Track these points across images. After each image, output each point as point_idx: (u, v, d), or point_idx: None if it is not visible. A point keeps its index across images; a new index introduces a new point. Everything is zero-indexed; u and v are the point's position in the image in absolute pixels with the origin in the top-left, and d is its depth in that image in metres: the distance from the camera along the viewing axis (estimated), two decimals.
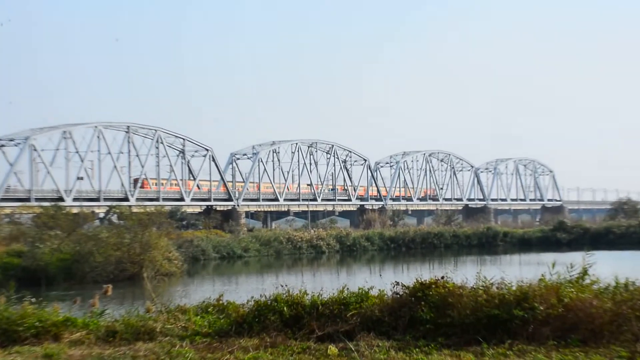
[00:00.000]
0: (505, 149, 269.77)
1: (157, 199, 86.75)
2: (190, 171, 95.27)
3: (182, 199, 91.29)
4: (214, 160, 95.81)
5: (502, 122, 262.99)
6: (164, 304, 16.25)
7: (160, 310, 15.82)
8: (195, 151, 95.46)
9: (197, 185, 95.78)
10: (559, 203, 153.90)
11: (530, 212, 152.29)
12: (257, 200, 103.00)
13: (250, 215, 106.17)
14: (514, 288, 13.96)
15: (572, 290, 13.58)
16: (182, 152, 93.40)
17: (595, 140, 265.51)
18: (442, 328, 13.59)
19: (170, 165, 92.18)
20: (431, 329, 13.63)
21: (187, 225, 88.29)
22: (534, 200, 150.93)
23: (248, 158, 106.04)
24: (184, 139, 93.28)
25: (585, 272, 14.47)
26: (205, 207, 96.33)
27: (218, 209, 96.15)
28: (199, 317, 15.55)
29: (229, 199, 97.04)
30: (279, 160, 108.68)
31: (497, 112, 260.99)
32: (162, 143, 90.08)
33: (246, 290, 29.01)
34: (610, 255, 56.41)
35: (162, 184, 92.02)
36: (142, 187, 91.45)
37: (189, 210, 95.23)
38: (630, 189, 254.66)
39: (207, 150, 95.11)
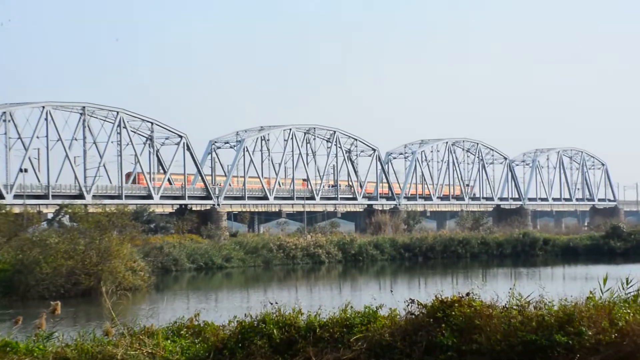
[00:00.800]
0: (547, 137, 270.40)
1: (119, 197, 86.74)
2: (160, 162, 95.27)
3: (149, 197, 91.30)
4: (189, 149, 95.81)
5: (542, 103, 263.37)
6: (126, 325, 16.22)
7: (122, 333, 15.79)
8: (167, 138, 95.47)
9: (169, 180, 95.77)
10: (612, 203, 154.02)
11: (577, 215, 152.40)
12: (241, 198, 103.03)
13: (234, 216, 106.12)
14: (555, 308, 13.93)
15: (629, 311, 13.54)
16: (150, 138, 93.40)
17: None
18: (467, 356, 13.57)
19: (135, 155, 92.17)
20: (454, 358, 13.60)
21: (156, 228, 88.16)
22: (581, 200, 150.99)
23: (231, 147, 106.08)
24: (152, 123, 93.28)
25: None
26: (178, 206, 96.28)
27: (194, 208, 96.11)
28: (169, 341, 15.51)
29: (208, 197, 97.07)
30: (268, 149, 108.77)
31: (536, 92, 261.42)
32: (125, 128, 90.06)
33: (228, 309, 29.02)
34: None
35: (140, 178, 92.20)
36: (134, 182, 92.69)
37: (159, 210, 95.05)
38: None
39: (180, 137, 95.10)
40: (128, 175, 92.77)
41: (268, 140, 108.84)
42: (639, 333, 13.03)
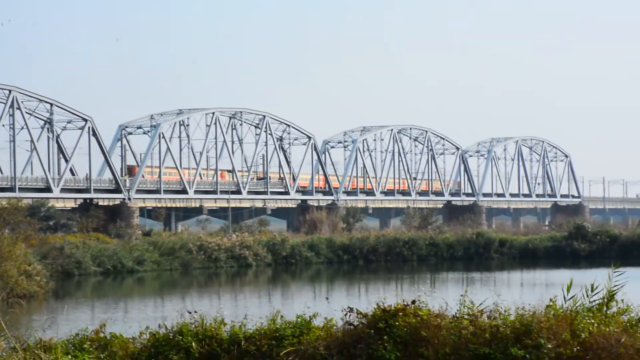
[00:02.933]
0: (504, 126, 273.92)
1: (11, 189, 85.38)
2: (60, 149, 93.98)
3: (48, 189, 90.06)
4: (95, 134, 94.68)
5: (499, 89, 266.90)
6: (19, 338, 16.00)
7: (14, 347, 15.57)
8: (69, 121, 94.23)
9: (71, 170, 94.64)
10: (577, 200, 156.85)
11: (538, 213, 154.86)
12: (156, 192, 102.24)
13: (147, 212, 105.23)
14: (512, 318, 14.12)
15: (593, 322, 13.79)
16: (49, 122, 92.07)
17: (629, 114, 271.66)
18: None
19: (31, 141, 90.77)
20: None
21: (56, 226, 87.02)
22: (542, 196, 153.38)
23: (144, 132, 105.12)
24: (51, 104, 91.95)
25: (611, 297, 14.72)
26: (82, 200, 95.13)
27: (101, 203, 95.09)
28: (70, 356, 15.34)
29: (117, 190, 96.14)
30: (188, 136, 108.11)
31: (493, 77, 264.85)
32: (19, 109, 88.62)
33: (139, 319, 28.77)
34: None
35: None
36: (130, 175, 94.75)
37: (59, 205, 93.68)
38: None
39: (85, 120, 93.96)
40: (131, 168, 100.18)
41: (188, 125, 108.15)
42: (603, 346, 13.28)
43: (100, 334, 16.26)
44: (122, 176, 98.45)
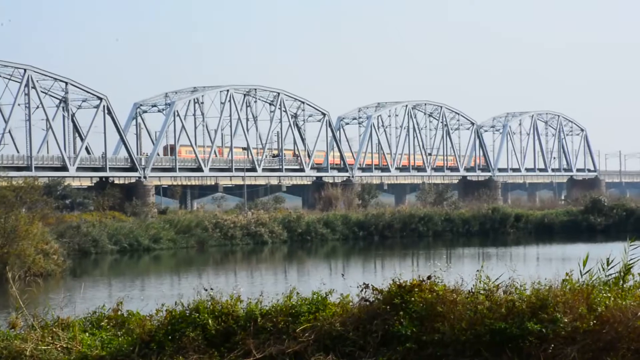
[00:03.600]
0: (519, 100, 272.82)
1: (27, 168, 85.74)
2: (76, 128, 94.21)
3: (64, 168, 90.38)
4: (110, 113, 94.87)
5: (514, 62, 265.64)
6: (37, 316, 16.09)
7: (32, 325, 15.65)
8: (84, 100, 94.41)
9: (87, 149, 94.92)
10: (593, 174, 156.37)
11: (554, 187, 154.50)
12: (172, 169, 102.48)
13: (163, 191, 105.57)
14: (527, 292, 14.11)
15: (609, 295, 13.77)
16: (64, 101, 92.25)
17: None
18: (429, 347, 13.70)
19: (47, 119, 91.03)
20: (413, 349, 13.72)
21: (72, 205, 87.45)
22: (558, 170, 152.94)
23: (159, 111, 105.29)
24: (66, 83, 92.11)
25: (628, 271, 14.68)
26: (98, 179, 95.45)
27: (117, 182, 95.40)
28: (87, 334, 15.42)
29: (132, 168, 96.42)
30: (202, 114, 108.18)
31: (506, 50, 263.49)
32: (34, 88, 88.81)
33: (156, 297, 28.94)
34: None
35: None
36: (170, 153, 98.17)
37: (75, 184, 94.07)
38: None
39: (100, 99, 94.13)
40: (171, 147, 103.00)
41: (202, 103, 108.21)
42: (620, 320, 13.26)
43: (117, 311, 16.36)
44: (163, 155, 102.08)
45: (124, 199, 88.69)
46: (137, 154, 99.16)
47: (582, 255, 15.19)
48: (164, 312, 15.22)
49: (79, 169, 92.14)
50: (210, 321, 14.55)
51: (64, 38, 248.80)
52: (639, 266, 14.82)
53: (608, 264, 14.72)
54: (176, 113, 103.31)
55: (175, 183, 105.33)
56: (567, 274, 14.52)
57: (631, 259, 14.77)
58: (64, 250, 53.95)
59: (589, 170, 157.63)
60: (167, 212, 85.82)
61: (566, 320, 13.33)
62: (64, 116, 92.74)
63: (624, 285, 14.43)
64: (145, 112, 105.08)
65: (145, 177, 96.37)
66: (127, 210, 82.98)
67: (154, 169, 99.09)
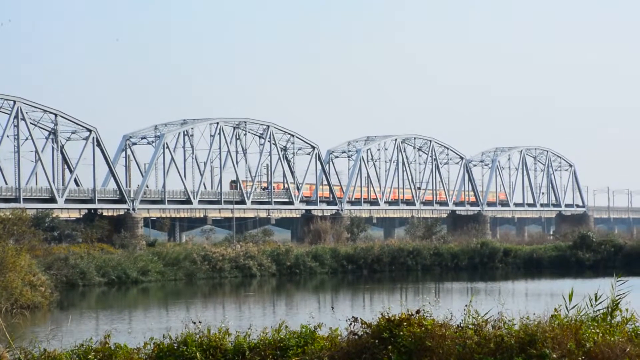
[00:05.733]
0: (508, 135, 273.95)
1: (15, 199, 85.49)
2: (65, 160, 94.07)
3: (52, 200, 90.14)
4: (99, 144, 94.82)
5: (503, 98, 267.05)
6: (24, 349, 16.03)
7: (19, 358, 15.59)
8: (73, 132, 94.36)
9: (75, 181, 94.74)
10: (581, 210, 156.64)
11: (542, 222, 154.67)
12: (161, 202, 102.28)
13: (152, 223, 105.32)
14: (516, 327, 14.13)
15: (598, 331, 13.79)
16: (54, 132, 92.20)
17: (633, 124, 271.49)
18: None
19: (36, 151, 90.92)
20: None
21: (61, 237, 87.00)
22: (546, 205, 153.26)
23: (149, 143, 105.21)
24: (56, 115, 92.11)
25: (615, 307, 14.72)
26: (86, 211, 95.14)
27: (105, 214, 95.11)
28: None
29: (121, 200, 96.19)
30: (192, 146, 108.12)
31: (496, 86, 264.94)
32: (23, 119, 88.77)
33: (144, 330, 28.78)
34: None
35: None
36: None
37: (63, 215, 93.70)
38: None
39: (89, 130, 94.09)
40: (233, 183, 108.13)
41: (192, 135, 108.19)
42: (608, 356, 13.28)
43: (105, 344, 16.30)
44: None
45: (112, 231, 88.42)
46: (126, 186, 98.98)
47: (569, 291, 15.22)
48: (151, 346, 15.19)
49: (67, 200, 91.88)
50: (198, 354, 14.54)
51: (54, 69, 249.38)
52: (627, 302, 14.85)
53: (596, 300, 14.77)
54: (166, 145, 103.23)
55: (164, 215, 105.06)
56: (555, 309, 14.56)
57: (618, 295, 14.81)
58: (51, 282, 53.70)
59: (578, 206, 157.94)
60: (155, 245, 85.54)
61: (555, 355, 13.34)
62: (53, 148, 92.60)
63: (612, 321, 14.47)
64: (134, 144, 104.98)
65: (134, 209, 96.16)
66: (116, 242, 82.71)
67: (142, 201, 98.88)
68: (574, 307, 14.66)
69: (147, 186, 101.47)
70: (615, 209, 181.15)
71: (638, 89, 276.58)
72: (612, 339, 13.55)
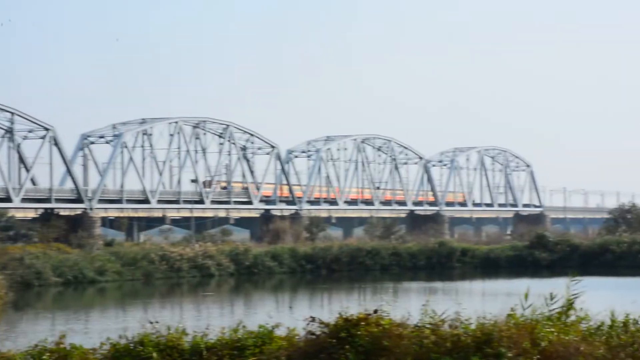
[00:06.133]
0: (467, 136, 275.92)
1: None
2: (21, 159, 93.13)
3: (7, 199, 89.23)
4: (57, 144, 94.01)
5: (462, 98, 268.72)
6: None
7: None
8: (30, 131, 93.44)
9: (32, 180, 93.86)
10: (538, 210, 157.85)
11: (499, 222, 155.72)
12: (118, 201, 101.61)
13: (109, 222, 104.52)
14: (473, 327, 14.19)
15: (553, 330, 13.89)
16: (10, 131, 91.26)
17: (588, 126, 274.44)
18: None
19: None
20: None
21: (16, 236, 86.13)
22: (504, 205, 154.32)
23: (107, 142, 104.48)
24: (12, 113, 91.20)
25: (570, 306, 14.84)
26: (42, 210, 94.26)
27: (62, 213, 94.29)
28: None
29: (78, 200, 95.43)
30: (151, 145, 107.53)
31: (456, 88, 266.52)
32: None
33: (100, 330, 28.62)
34: (606, 282, 58.14)
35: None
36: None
37: (19, 215, 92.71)
38: (637, 191, 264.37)
39: (46, 129, 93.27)
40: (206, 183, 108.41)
41: (151, 135, 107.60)
42: (563, 355, 13.39)
43: (60, 345, 16.15)
44: (204, 187, 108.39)
45: (69, 230, 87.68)
46: (84, 186, 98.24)
47: (525, 290, 15.33)
48: (108, 346, 15.09)
49: (23, 199, 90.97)
50: (154, 354, 14.46)
51: (10, 67, 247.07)
52: (581, 301, 14.99)
53: (551, 299, 14.88)
54: (124, 144, 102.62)
55: (122, 215, 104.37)
56: (511, 308, 14.65)
57: (573, 295, 14.94)
58: (6, 282, 53.14)
59: (535, 206, 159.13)
60: (113, 244, 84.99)
61: (510, 354, 13.42)
62: (9, 147, 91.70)
63: (567, 320, 14.59)
64: (92, 143, 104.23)
65: (91, 209, 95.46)
66: (72, 242, 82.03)
67: (100, 201, 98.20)
68: (530, 306, 14.76)
69: (105, 185, 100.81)
70: (571, 209, 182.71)
71: (593, 92, 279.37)
72: (567, 337, 13.67)
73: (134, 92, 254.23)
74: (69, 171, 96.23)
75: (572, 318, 14.67)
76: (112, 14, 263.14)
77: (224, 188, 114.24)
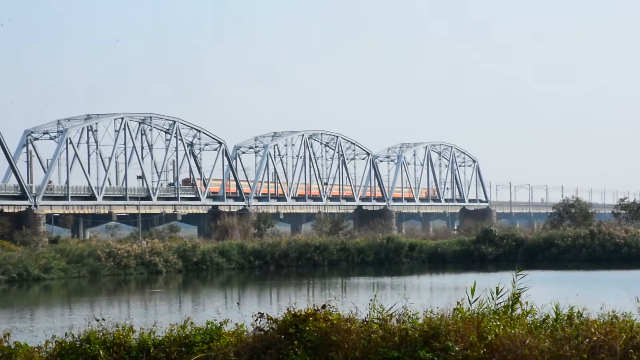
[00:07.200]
0: (414, 131, 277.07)
1: None
2: None
3: None
4: None
5: (408, 94, 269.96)
6: None
7: None
8: None
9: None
10: (484, 205, 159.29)
11: (447, 217, 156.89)
12: (64, 198, 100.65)
13: (54, 219, 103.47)
14: (420, 321, 14.28)
15: (499, 324, 14.02)
16: None
17: (534, 120, 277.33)
18: None
19: None
20: None
21: None
22: (451, 200, 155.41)
23: (51, 138, 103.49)
24: None
25: (516, 300, 14.98)
26: None
27: (6, 210, 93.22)
28: None
29: (23, 197, 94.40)
30: (96, 141, 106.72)
31: (402, 82, 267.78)
32: None
33: (45, 328, 28.31)
34: (552, 276, 58.85)
35: None
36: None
37: None
38: (580, 185, 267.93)
39: None
40: (186, 181, 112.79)
41: (96, 130, 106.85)
42: (509, 348, 13.52)
43: (4, 343, 15.97)
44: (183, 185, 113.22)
45: (13, 227, 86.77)
46: (28, 182, 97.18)
47: (471, 284, 15.44)
48: (53, 344, 14.95)
49: None
50: (101, 352, 14.36)
51: None
52: (527, 295, 15.14)
53: (497, 293, 15.01)
54: (69, 141, 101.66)
55: (67, 212, 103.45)
56: (458, 303, 14.76)
57: (519, 288, 15.09)
58: None
59: (481, 201, 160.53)
60: (58, 241, 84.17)
61: (457, 348, 13.53)
62: None
63: (513, 314, 14.73)
64: (36, 139, 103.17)
65: (35, 206, 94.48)
66: (17, 239, 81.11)
67: (45, 197, 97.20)
68: (476, 300, 14.88)
69: (49, 182, 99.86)
70: (517, 203, 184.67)
71: (538, 85, 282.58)
72: (513, 331, 13.81)
73: (79, 88, 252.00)
74: (12, 168, 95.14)
75: (518, 312, 14.82)
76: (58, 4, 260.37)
77: (171, 184, 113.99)
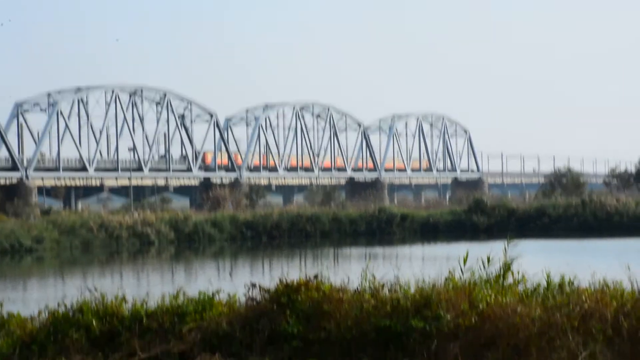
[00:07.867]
0: (405, 102, 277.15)
1: None
2: None
3: None
4: None
5: (399, 64, 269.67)
6: None
7: None
8: None
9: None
10: (476, 175, 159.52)
11: (438, 188, 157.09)
12: (55, 169, 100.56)
13: (46, 191, 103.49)
14: (412, 291, 14.33)
15: (490, 292, 14.08)
16: None
17: (524, 90, 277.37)
18: (315, 345, 13.78)
19: None
20: (300, 348, 13.79)
21: None
22: (442, 171, 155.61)
23: (42, 110, 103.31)
24: None
25: (507, 269, 15.03)
26: None
27: None
28: None
29: (14, 168, 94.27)
30: (87, 113, 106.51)
31: (393, 51, 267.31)
32: None
33: (38, 299, 28.40)
34: (543, 245, 59.04)
35: None
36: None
37: None
38: (572, 154, 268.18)
39: None
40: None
41: (87, 102, 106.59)
42: (500, 316, 13.58)
43: None
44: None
45: (5, 199, 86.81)
46: (19, 154, 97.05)
47: (463, 254, 15.49)
48: (46, 314, 14.97)
49: None
50: (94, 322, 14.39)
51: None
52: (518, 264, 15.19)
53: (489, 262, 15.05)
54: (59, 112, 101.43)
55: (59, 184, 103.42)
56: (449, 272, 14.80)
57: (511, 258, 15.13)
58: None
59: (473, 171, 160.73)
60: (50, 213, 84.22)
61: (449, 317, 13.59)
62: None
63: (504, 283, 14.79)
64: (26, 111, 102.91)
65: (27, 177, 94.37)
66: (9, 210, 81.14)
67: (36, 169, 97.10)
68: (468, 270, 14.91)
69: (41, 154, 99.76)
70: (508, 174, 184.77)
71: (531, 56, 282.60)
72: (504, 299, 13.86)
73: (70, 59, 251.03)
74: (3, 139, 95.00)
75: (510, 281, 14.86)
76: None
77: (163, 156, 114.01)
